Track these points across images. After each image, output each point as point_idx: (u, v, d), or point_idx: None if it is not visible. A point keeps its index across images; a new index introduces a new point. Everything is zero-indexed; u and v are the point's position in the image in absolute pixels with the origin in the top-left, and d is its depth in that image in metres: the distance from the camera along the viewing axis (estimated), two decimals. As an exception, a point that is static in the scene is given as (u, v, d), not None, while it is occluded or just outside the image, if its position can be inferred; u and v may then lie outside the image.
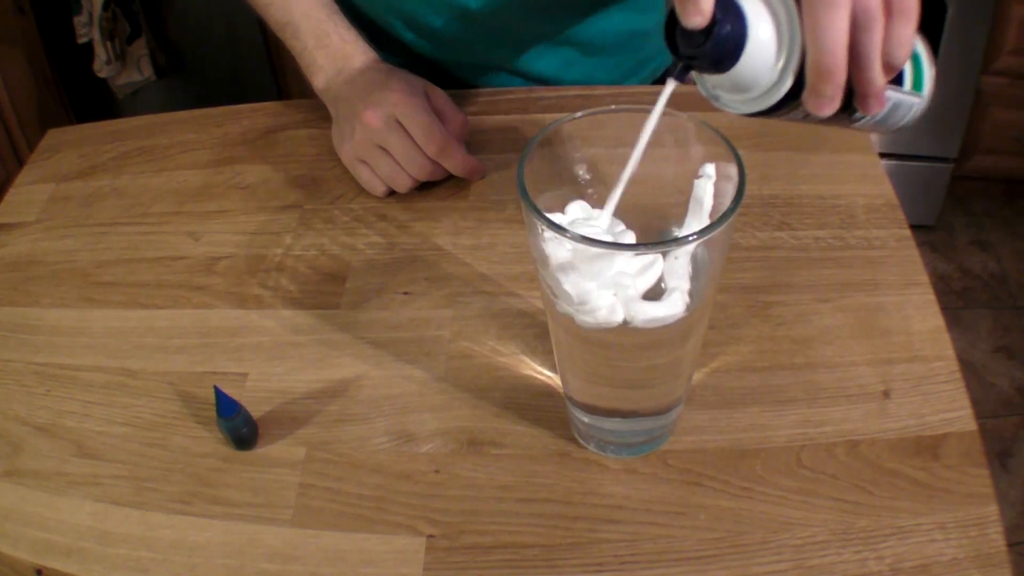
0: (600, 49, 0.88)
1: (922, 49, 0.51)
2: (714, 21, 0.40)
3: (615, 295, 0.44)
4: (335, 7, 0.77)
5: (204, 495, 0.55)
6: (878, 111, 0.47)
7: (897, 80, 0.49)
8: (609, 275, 0.43)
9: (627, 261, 0.43)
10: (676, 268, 0.45)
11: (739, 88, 0.43)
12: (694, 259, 0.45)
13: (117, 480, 0.57)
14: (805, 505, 0.52)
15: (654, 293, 0.45)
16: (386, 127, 0.70)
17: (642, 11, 0.88)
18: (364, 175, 0.73)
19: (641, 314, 0.44)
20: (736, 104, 0.45)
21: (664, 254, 0.44)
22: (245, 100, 0.86)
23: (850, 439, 0.55)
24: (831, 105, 0.43)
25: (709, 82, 0.45)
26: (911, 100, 0.51)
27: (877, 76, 0.45)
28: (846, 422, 0.55)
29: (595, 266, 0.43)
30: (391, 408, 0.59)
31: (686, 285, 0.45)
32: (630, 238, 0.46)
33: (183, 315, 0.66)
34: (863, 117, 0.48)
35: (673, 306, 0.44)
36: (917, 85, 0.52)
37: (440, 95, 0.75)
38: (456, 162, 0.72)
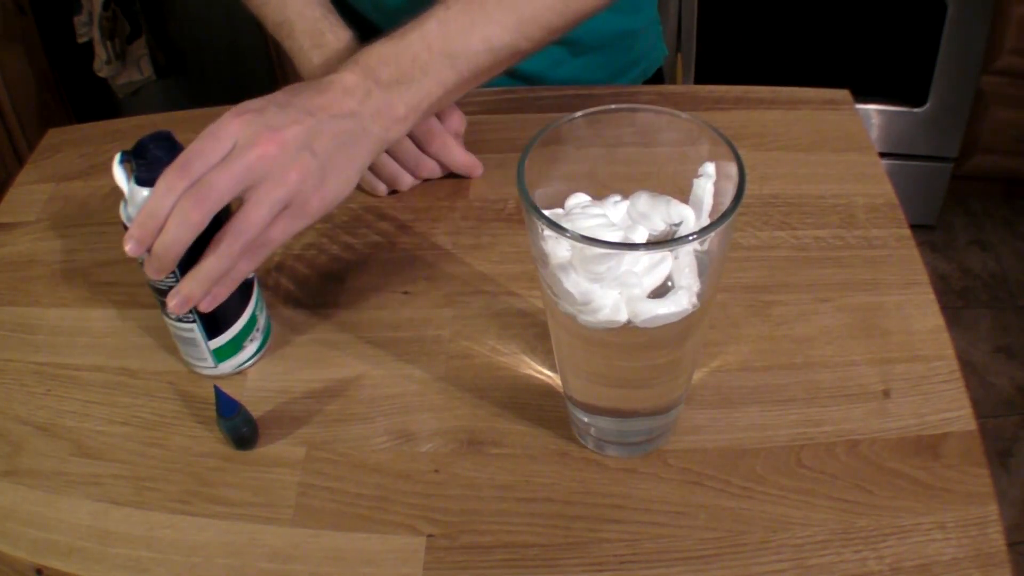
0: (589, 48, 0.88)
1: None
2: None
3: (619, 294, 0.44)
4: (329, 5, 0.77)
5: (204, 495, 0.55)
6: (174, 309, 0.54)
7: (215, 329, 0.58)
8: (615, 274, 0.43)
9: (635, 259, 0.43)
10: (682, 266, 0.45)
11: None
12: (695, 258, 0.45)
13: (117, 480, 0.57)
14: (805, 505, 0.52)
15: (656, 292, 0.45)
16: None
17: (631, 12, 0.88)
18: (365, 176, 0.73)
19: (646, 312, 0.44)
20: None
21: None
22: (245, 100, 0.86)
23: (850, 439, 0.55)
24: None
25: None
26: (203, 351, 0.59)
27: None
28: (846, 422, 0.55)
29: (599, 265, 0.43)
30: (391, 408, 0.59)
31: (695, 284, 0.45)
32: (642, 233, 0.46)
33: (183, 315, 0.66)
34: (173, 316, 0.57)
35: (678, 304, 0.44)
36: (222, 355, 0.60)
37: None
38: (454, 158, 0.72)
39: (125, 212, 0.54)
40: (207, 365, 0.60)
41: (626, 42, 0.90)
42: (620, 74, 0.93)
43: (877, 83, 1.79)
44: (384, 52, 0.61)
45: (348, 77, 0.59)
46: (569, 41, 0.85)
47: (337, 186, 0.57)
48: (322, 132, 0.56)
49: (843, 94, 0.79)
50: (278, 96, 0.58)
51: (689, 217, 0.47)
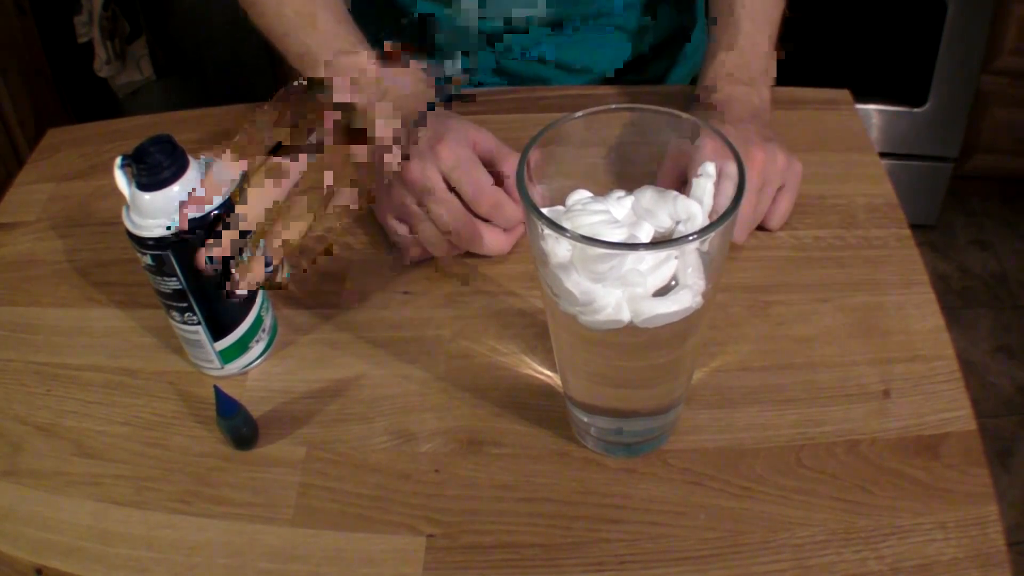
0: (650, 47, 0.88)
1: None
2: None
3: (622, 293, 0.44)
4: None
5: (204, 495, 0.55)
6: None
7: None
8: (617, 273, 0.43)
9: (639, 257, 0.43)
10: (686, 265, 0.45)
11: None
12: (699, 257, 0.45)
13: (117, 480, 0.57)
14: (805, 505, 0.52)
15: (659, 291, 0.44)
16: (429, 184, 0.62)
17: (687, 10, 0.90)
18: (400, 232, 0.66)
19: (648, 311, 0.44)
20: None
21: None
22: (245, 100, 0.86)
23: (850, 439, 0.55)
24: None
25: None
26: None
27: None
28: (846, 422, 0.55)
29: (600, 264, 0.43)
30: (391, 408, 0.59)
31: (700, 283, 0.45)
32: (647, 230, 0.46)
33: (183, 315, 0.66)
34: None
35: (680, 303, 0.44)
36: (228, 356, 0.60)
37: (487, 138, 0.67)
38: (510, 214, 0.64)
39: (127, 217, 0.54)
40: (214, 366, 0.60)
41: (682, 40, 0.91)
42: (674, 69, 0.93)
43: (877, 83, 1.79)
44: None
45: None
46: (631, 37, 0.86)
47: None
48: None
49: (843, 94, 0.79)
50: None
51: (696, 213, 0.46)
